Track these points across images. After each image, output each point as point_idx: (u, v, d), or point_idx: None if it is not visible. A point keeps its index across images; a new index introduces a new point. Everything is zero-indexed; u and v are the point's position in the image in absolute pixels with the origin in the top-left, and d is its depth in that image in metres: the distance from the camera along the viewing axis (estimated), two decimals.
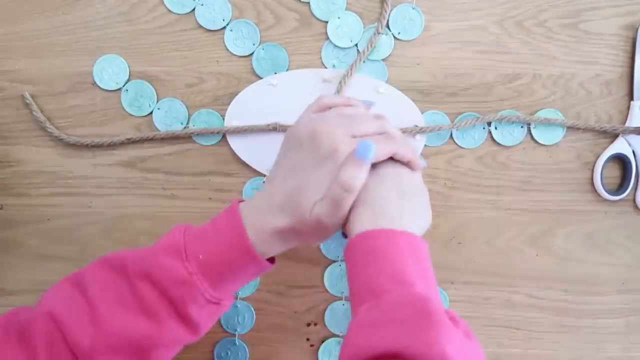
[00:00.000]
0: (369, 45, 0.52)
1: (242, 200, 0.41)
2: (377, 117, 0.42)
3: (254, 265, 0.38)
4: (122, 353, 0.36)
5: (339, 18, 0.53)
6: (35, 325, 0.37)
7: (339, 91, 0.52)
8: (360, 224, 0.37)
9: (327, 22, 0.53)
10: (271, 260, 0.41)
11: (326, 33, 0.53)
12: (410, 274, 0.36)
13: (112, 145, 0.54)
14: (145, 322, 0.37)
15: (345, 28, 0.53)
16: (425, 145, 0.53)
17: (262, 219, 0.38)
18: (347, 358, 0.33)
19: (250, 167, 0.54)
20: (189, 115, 0.54)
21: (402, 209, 0.39)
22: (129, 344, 0.36)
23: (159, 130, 0.54)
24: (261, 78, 0.53)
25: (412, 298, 0.34)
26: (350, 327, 0.35)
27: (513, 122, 0.53)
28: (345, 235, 0.41)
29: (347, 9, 0.53)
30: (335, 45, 0.53)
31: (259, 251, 0.38)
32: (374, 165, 0.39)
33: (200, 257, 0.37)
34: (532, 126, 0.53)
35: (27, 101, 0.53)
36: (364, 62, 0.53)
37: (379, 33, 0.52)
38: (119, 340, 0.36)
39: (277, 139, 0.53)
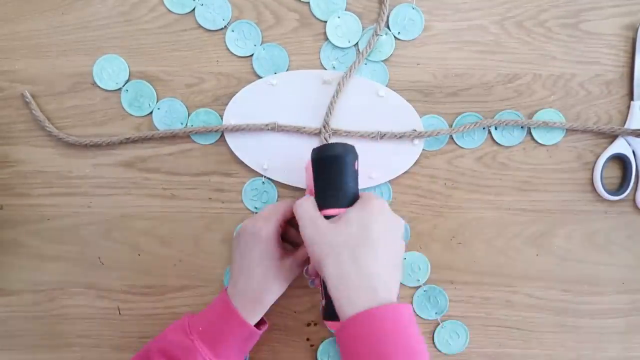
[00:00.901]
0: (368, 47, 0.52)
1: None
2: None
3: (241, 329, 0.46)
4: None
5: (338, 18, 0.53)
6: None
7: (338, 93, 0.52)
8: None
9: (326, 22, 0.53)
10: (261, 325, 0.49)
11: (325, 33, 0.53)
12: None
13: (111, 145, 0.54)
14: None
15: (345, 28, 0.53)
16: (423, 149, 0.53)
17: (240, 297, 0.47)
18: None
19: (250, 167, 0.54)
20: (189, 115, 0.54)
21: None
22: None
23: (159, 130, 0.54)
24: (261, 78, 0.53)
25: None
26: None
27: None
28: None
29: (347, 9, 0.53)
30: (334, 46, 0.53)
31: (244, 316, 0.46)
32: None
33: (200, 329, 0.46)
34: (532, 126, 0.53)
35: (27, 99, 0.53)
36: (365, 64, 0.53)
37: (377, 35, 0.52)
38: None
39: (275, 139, 0.53)
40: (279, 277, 0.47)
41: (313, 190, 0.46)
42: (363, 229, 0.41)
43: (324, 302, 0.46)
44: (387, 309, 0.38)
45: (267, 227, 0.46)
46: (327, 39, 0.53)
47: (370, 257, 0.40)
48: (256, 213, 0.53)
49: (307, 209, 0.44)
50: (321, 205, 0.45)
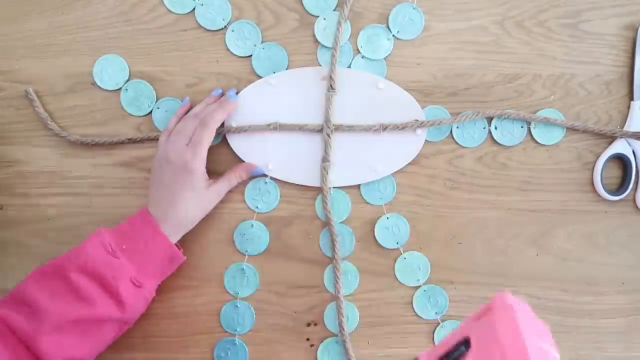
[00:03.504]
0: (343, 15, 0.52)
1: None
2: (196, 115, 0.51)
3: (167, 251, 0.48)
4: (66, 332, 0.44)
5: (324, 19, 0.53)
6: None
7: (333, 87, 0.52)
8: None
9: (314, 24, 0.53)
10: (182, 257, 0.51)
11: (314, 35, 0.53)
12: None
13: (111, 145, 0.54)
14: (81, 305, 0.44)
15: (333, 28, 0.53)
16: (425, 140, 0.53)
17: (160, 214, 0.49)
18: None
19: None
20: None
21: None
22: (70, 323, 0.44)
23: (159, 130, 0.54)
24: (261, 78, 0.53)
25: None
26: None
27: (513, 122, 0.53)
28: None
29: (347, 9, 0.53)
30: (327, 47, 0.53)
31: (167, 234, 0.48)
32: None
33: (124, 247, 0.47)
34: (532, 126, 0.53)
35: (30, 97, 0.53)
36: (363, 58, 0.53)
37: (345, 19, 0.52)
38: (60, 321, 0.43)
39: (277, 139, 0.53)
40: (202, 207, 0.51)
41: None
42: None
43: None
44: None
45: (197, 162, 0.49)
46: (316, 40, 0.53)
47: None
48: (176, 142, 0.51)
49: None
50: None
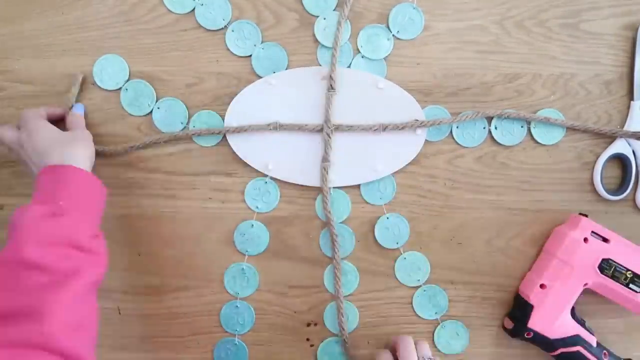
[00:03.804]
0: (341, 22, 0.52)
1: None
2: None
3: (100, 191, 0.48)
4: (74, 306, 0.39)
5: (324, 19, 0.53)
6: None
7: (333, 87, 0.52)
8: None
9: (314, 24, 0.53)
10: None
11: (314, 35, 0.53)
12: None
13: (119, 148, 0.54)
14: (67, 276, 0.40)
15: (333, 28, 0.53)
16: (425, 140, 0.53)
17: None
18: None
19: (250, 167, 0.54)
20: (189, 115, 0.54)
21: None
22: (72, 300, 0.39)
23: (159, 130, 0.54)
24: (261, 78, 0.53)
25: None
26: None
27: (513, 122, 0.53)
28: None
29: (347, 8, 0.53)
30: (328, 47, 0.53)
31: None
32: None
33: (61, 203, 0.43)
34: (532, 126, 0.53)
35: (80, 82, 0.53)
36: (363, 57, 0.53)
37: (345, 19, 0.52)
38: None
39: (277, 139, 0.53)
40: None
41: None
42: None
43: None
44: None
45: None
46: (316, 40, 0.53)
47: None
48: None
49: None
50: None
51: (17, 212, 0.43)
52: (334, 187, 0.54)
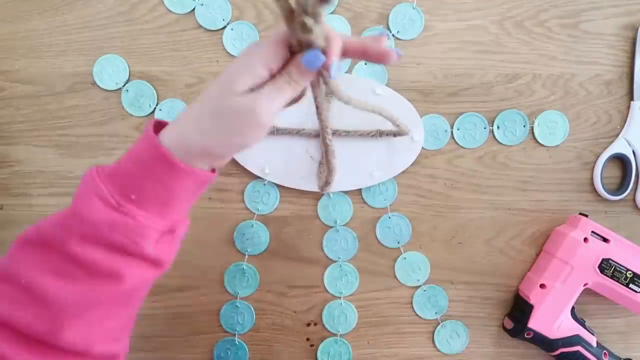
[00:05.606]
0: None
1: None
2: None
3: (186, 177, 0.35)
4: (92, 315, 0.34)
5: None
6: None
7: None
8: None
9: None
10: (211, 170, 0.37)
11: None
12: None
13: (112, 145, 0.54)
14: (106, 281, 0.34)
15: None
16: (422, 148, 0.53)
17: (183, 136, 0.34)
18: None
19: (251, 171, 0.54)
20: None
21: None
22: (97, 305, 0.34)
23: None
24: None
25: None
26: None
27: (516, 122, 0.53)
28: None
29: (347, 9, 0.53)
30: None
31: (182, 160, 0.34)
32: None
33: (133, 197, 0.34)
34: (534, 126, 0.53)
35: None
36: (365, 63, 0.53)
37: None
38: (82, 307, 0.33)
39: (274, 143, 0.53)
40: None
41: None
42: None
43: None
44: None
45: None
46: None
47: None
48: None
49: None
50: None
51: (93, 173, 0.35)
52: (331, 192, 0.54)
